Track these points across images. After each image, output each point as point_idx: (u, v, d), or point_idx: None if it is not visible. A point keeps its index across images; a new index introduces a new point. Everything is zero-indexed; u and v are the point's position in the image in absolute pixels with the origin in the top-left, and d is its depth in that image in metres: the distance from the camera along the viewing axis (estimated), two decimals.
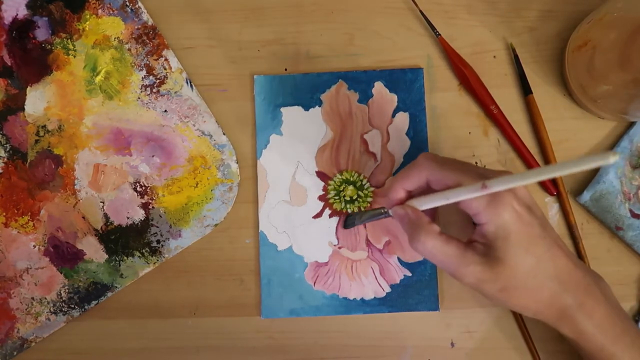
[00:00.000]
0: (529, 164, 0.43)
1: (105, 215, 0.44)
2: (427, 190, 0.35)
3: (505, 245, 0.31)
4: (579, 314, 0.33)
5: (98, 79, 0.44)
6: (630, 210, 0.42)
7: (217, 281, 0.44)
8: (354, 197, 0.44)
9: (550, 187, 0.43)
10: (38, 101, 0.44)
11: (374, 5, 0.45)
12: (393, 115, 0.44)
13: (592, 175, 0.43)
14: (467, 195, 0.31)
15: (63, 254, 0.44)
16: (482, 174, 0.32)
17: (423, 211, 0.35)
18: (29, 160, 0.44)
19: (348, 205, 0.44)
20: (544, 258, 0.32)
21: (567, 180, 0.44)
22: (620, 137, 0.43)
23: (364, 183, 0.44)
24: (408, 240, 0.34)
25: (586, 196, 0.42)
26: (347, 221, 0.40)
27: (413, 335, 0.43)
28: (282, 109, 0.44)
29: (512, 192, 0.32)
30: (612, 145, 0.43)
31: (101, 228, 0.44)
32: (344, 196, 0.44)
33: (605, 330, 0.33)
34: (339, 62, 0.45)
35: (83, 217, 0.44)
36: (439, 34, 0.44)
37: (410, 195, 0.36)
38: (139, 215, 0.44)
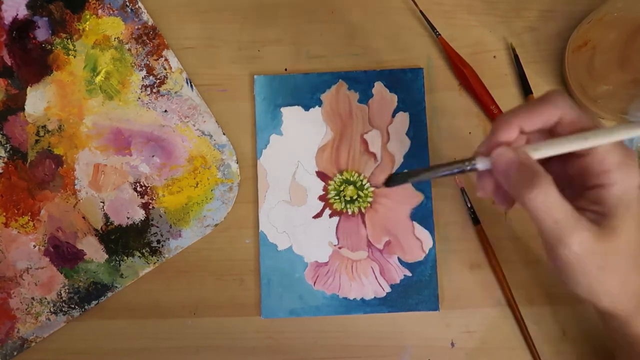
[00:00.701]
0: None
1: (106, 215, 0.44)
2: (539, 137, 0.30)
3: (626, 215, 0.27)
4: None
5: (98, 79, 0.44)
6: None
7: (217, 281, 0.44)
8: (354, 197, 0.44)
9: None
10: (38, 101, 0.44)
11: (374, 5, 0.45)
12: (393, 115, 0.44)
13: None
14: (615, 137, 0.27)
15: (63, 254, 0.44)
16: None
17: None
18: (29, 160, 0.44)
19: (348, 205, 0.44)
20: None
21: None
22: None
23: (364, 183, 0.44)
24: (513, 191, 0.28)
25: None
26: (393, 179, 0.31)
27: (413, 335, 0.43)
28: (282, 109, 0.44)
29: None
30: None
31: (101, 228, 0.44)
32: (344, 196, 0.44)
33: None
34: (339, 62, 0.45)
35: (83, 217, 0.44)
36: (439, 34, 0.44)
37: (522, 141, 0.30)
38: (139, 215, 0.44)
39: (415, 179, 0.31)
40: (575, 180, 0.29)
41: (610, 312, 0.31)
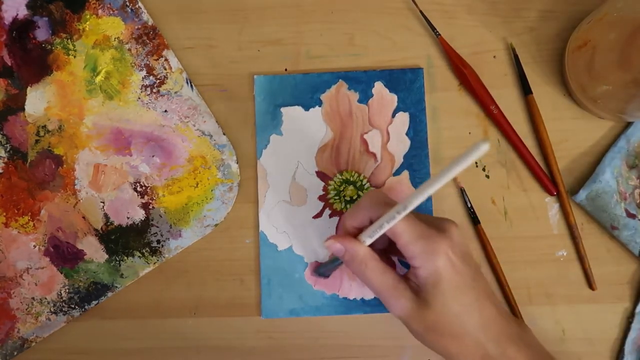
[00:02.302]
0: (529, 164, 0.43)
1: (106, 215, 0.44)
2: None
3: (434, 292, 0.32)
4: None
5: (98, 79, 0.44)
6: (626, 210, 0.42)
7: (217, 281, 0.44)
8: (354, 197, 0.44)
9: (550, 187, 0.43)
10: (38, 101, 0.44)
11: (374, 5, 0.45)
12: (393, 115, 0.44)
13: (589, 175, 0.43)
14: (396, 218, 0.31)
15: (63, 254, 0.44)
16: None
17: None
18: (29, 160, 0.44)
19: (348, 205, 0.44)
20: (471, 308, 0.33)
21: (565, 180, 0.44)
22: (617, 136, 0.43)
23: (364, 183, 0.44)
24: (350, 269, 0.35)
25: (582, 195, 0.42)
26: (319, 271, 0.41)
27: (413, 336, 0.43)
28: (282, 109, 0.44)
29: (448, 239, 0.33)
30: (610, 145, 0.43)
31: (101, 228, 0.44)
32: (344, 196, 0.44)
33: None
34: (339, 62, 0.45)
35: (83, 217, 0.44)
36: (439, 34, 0.44)
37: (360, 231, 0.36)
38: (139, 215, 0.44)
39: (328, 272, 0.41)
40: None
41: None
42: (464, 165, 0.27)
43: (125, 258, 0.44)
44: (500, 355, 0.33)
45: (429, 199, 0.43)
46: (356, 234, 0.35)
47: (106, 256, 0.44)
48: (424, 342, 0.34)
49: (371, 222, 0.34)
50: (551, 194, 0.43)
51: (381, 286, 0.34)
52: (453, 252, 0.33)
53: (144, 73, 0.44)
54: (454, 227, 0.34)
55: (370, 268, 0.34)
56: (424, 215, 0.36)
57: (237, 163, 0.44)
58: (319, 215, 0.44)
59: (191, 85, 0.44)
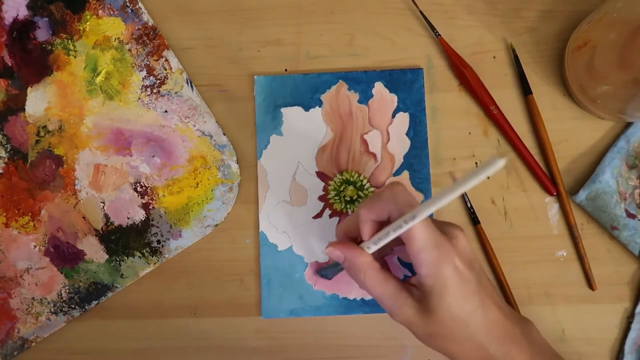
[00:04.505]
0: (529, 164, 0.43)
1: (106, 216, 0.44)
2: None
3: (439, 300, 0.32)
4: None
5: (98, 79, 0.44)
6: (626, 210, 0.42)
7: (217, 281, 0.44)
8: (354, 198, 0.44)
9: (550, 187, 0.43)
10: (38, 101, 0.44)
11: (374, 6, 0.45)
12: (393, 116, 0.44)
13: (589, 175, 0.43)
14: (403, 228, 0.31)
15: (63, 254, 0.44)
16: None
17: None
18: (29, 161, 0.44)
19: (348, 206, 0.44)
20: (475, 313, 0.33)
21: (565, 180, 0.44)
22: (617, 137, 0.43)
23: (364, 183, 0.44)
24: (350, 276, 0.35)
25: (582, 195, 0.42)
26: (321, 273, 0.41)
27: (413, 335, 0.43)
28: (282, 109, 0.44)
29: (456, 247, 0.32)
30: (610, 145, 0.43)
31: (101, 228, 0.44)
32: (344, 196, 0.44)
33: None
34: (339, 62, 0.45)
35: (83, 218, 0.44)
36: (439, 34, 0.44)
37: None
38: (139, 215, 0.44)
39: (330, 275, 0.40)
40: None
41: None
42: (478, 180, 0.26)
43: (126, 258, 0.44)
44: (502, 356, 0.33)
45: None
46: (372, 227, 0.34)
47: (106, 256, 0.44)
48: (426, 344, 0.35)
49: (388, 220, 0.33)
50: (551, 194, 0.43)
51: (382, 295, 0.34)
52: (460, 260, 0.32)
53: (144, 73, 0.44)
54: (461, 234, 0.34)
55: (369, 277, 0.34)
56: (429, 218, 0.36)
57: (237, 163, 0.44)
58: (319, 215, 0.44)
59: (191, 86, 0.44)
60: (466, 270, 0.32)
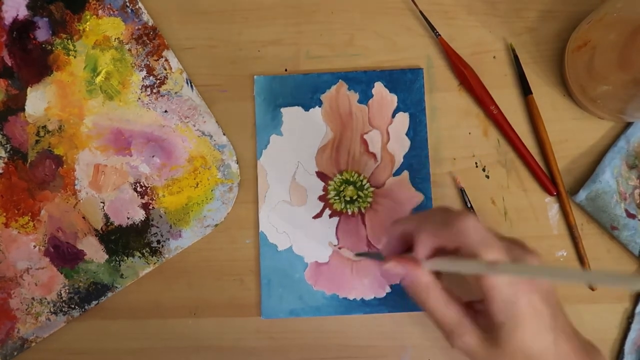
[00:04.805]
0: (529, 164, 0.43)
1: (106, 216, 0.44)
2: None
3: (510, 335, 0.30)
4: None
5: (98, 79, 0.44)
6: (626, 210, 0.42)
7: (217, 281, 0.44)
8: (354, 198, 0.44)
9: (550, 187, 0.43)
10: (38, 101, 0.44)
11: (374, 6, 0.45)
12: (393, 116, 0.44)
13: (589, 175, 0.43)
14: (479, 271, 0.29)
15: (63, 254, 0.44)
16: (509, 248, 0.30)
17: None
18: (29, 161, 0.44)
19: (348, 206, 0.44)
20: (548, 349, 0.31)
21: (565, 180, 0.44)
22: (617, 137, 0.43)
23: (364, 183, 0.44)
24: (410, 295, 0.33)
25: (582, 195, 0.42)
26: (359, 254, 0.41)
27: (413, 335, 0.43)
28: (282, 109, 0.44)
29: (530, 281, 0.30)
30: (610, 145, 0.43)
31: (101, 228, 0.44)
32: (344, 196, 0.44)
33: None
34: (339, 62, 0.45)
35: (83, 218, 0.44)
36: (439, 34, 0.44)
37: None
38: (139, 215, 0.44)
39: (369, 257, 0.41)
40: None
41: None
42: (606, 285, 0.24)
43: (125, 258, 0.44)
44: None
45: (430, 200, 0.43)
46: (430, 249, 0.32)
47: (106, 256, 0.44)
48: None
49: (454, 249, 0.31)
50: (551, 194, 0.43)
51: (443, 319, 0.31)
52: (538, 290, 0.30)
53: (144, 73, 0.44)
54: (537, 261, 0.31)
55: (433, 298, 0.31)
56: (499, 235, 0.32)
57: (237, 163, 0.44)
58: (319, 215, 0.44)
59: (191, 86, 0.44)
60: (541, 304, 0.30)
